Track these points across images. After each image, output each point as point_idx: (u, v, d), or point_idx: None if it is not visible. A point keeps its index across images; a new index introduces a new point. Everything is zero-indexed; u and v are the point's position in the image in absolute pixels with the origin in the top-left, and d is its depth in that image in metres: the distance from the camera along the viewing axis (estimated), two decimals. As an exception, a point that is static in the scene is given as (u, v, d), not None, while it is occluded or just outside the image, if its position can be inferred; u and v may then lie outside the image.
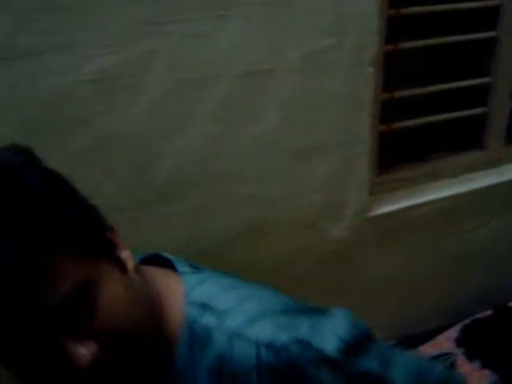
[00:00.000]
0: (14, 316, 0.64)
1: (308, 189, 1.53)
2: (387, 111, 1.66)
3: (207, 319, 0.78)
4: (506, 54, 1.72)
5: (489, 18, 1.69)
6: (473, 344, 1.82)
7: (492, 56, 1.73)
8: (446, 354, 1.81)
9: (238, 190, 1.43)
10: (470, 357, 1.79)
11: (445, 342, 1.85)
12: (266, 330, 0.75)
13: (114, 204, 1.17)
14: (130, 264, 0.77)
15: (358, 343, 0.77)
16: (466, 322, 1.89)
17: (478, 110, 1.80)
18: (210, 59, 1.30)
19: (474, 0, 1.64)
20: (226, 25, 1.29)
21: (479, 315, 1.90)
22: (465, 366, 1.77)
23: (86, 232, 0.71)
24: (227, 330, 0.76)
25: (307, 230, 1.58)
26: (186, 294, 0.81)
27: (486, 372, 1.75)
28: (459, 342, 1.84)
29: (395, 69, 1.62)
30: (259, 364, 0.74)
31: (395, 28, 1.57)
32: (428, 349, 1.80)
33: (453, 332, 1.87)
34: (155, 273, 0.84)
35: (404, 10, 1.56)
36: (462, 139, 1.86)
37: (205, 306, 0.79)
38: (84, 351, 0.65)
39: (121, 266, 0.75)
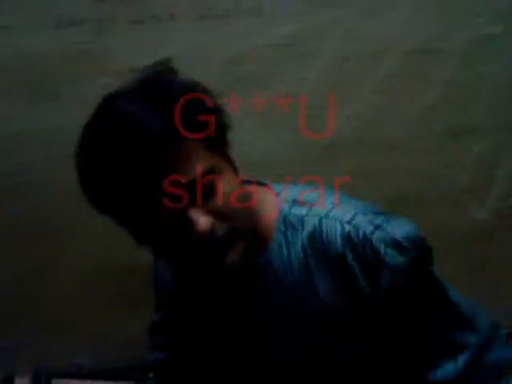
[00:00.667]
0: (154, 188, 0.81)
1: (458, 167, 1.61)
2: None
3: (298, 210, 0.95)
4: None
5: None
6: None
7: None
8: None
9: (390, 160, 1.54)
10: None
11: None
12: (348, 213, 0.92)
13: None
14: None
15: (424, 244, 0.93)
16: None
17: None
18: (381, 35, 1.41)
19: None
20: (398, 4, 1.39)
21: None
22: None
23: (219, 131, 0.87)
24: (316, 214, 0.94)
25: (451, 208, 1.65)
26: (278, 194, 0.98)
27: None
28: None
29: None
30: (342, 235, 0.91)
31: None
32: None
33: None
34: (252, 187, 0.99)
35: None
36: None
37: (295, 201, 0.97)
38: (204, 220, 0.82)
39: (234, 168, 0.92)
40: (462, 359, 0.98)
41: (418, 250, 0.92)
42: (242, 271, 0.93)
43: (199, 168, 0.83)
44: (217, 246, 0.85)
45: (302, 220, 0.96)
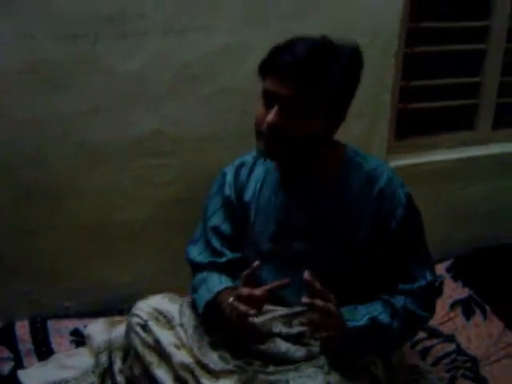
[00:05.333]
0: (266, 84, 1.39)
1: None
2: (405, 95, 2.38)
3: (358, 159, 1.54)
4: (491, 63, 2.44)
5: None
6: (458, 271, 2.50)
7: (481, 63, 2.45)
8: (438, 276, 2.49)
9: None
10: (455, 279, 2.47)
11: (438, 269, 2.53)
12: (387, 170, 1.54)
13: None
14: None
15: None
16: (455, 257, 2.57)
17: (471, 101, 2.50)
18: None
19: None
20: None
21: (463, 253, 2.59)
22: (450, 284, 2.45)
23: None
24: (369, 164, 1.52)
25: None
26: (345, 147, 1.56)
27: (466, 289, 2.42)
28: (448, 269, 2.52)
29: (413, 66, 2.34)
30: (381, 180, 1.50)
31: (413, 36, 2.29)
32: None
33: (444, 263, 2.55)
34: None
35: (422, 24, 2.28)
36: (458, 121, 2.57)
37: (357, 153, 1.56)
38: (272, 118, 1.36)
39: None
40: (417, 285, 1.52)
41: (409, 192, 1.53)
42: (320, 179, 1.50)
43: None
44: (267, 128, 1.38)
45: (360, 164, 1.52)
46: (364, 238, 1.52)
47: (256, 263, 1.42)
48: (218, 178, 1.69)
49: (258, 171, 1.63)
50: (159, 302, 1.65)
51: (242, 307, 1.38)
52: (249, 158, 1.66)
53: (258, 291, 1.42)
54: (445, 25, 2.34)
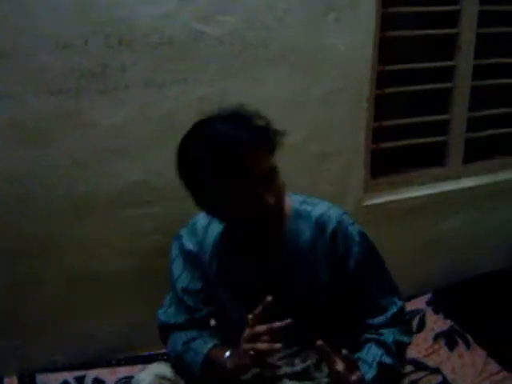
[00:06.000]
0: (241, 177, 1.34)
1: (324, 181, 2.32)
2: (377, 135, 2.46)
3: (305, 207, 1.57)
4: (458, 100, 2.55)
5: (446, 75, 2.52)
6: (439, 303, 2.56)
7: (449, 101, 2.55)
8: (418, 310, 2.55)
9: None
10: (436, 311, 2.53)
11: (418, 303, 2.60)
12: (336, 211, 1.57)
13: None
14: None
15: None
16: (434, 290, 2.63)
17: (440, 138, 2.60)
18: (264, 92, 2.10)
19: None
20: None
21: (442, 286, 2.66)
22: (432, 317, 2.51)
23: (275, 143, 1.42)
24: (317, 210, 1.56)
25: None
26: (291, 197, 1.58)
27: (447, 320, 2.48)
28: (429, 303, 2.58)
29: (383, 107, 2.44)
30: (331, 222, 1.54)
31: (382, 77, 2.39)
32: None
33: (424, 297, 2.62)
34: None
35: (390, 67, 2.38)
36: (429, 158, 2.66)
37: (304, 202, 1.59)
38: (270, 198, 1.38)
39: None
40: (389, 313, 1.57)
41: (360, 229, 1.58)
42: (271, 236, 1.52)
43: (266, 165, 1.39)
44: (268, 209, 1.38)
45: (308, 214, 1.55)
46: (326, 282, 1.56)
47: (268, 298, 1.38)
48: (174, 242, 1.70)
49: (212, 232, 1.63)
50: (158, 367, 1.63)
51: (263, 346, 1.34)
52: (200, 219, 1.67)
53: (277, 323, 1.35)
54: (412, 66, 2.44)
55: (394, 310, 1.60)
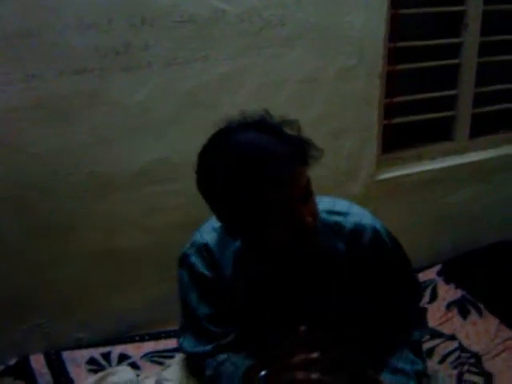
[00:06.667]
0: (280, 196, 1.18)
1: (338, 157, 2.38)
2: (387, 111, 2.52)
3: (335, 218, 1.42)
4: (465, 76, 2.61)
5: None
6: (449, 274, 2.63)
7: (456, 77, 2.61)
8: (430, 280, 2.62)
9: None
10: (447, 281, 2.60)
11: (429, 273, 2.66)
12: (367, 218, 1.45)
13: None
14: None
15: None
16: (444, 261, 2.70)
17: (448, 113, 2.66)
18: (281, 69, 2.15)
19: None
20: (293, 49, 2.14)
21: (452, 257, 2.73)
22: (443, 287, 2.57)
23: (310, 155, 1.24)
24: (350, 222, 1.42)
25: (334, 186, 2.37)
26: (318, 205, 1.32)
27: (458, 290, 2.55)
28: (439, 273, 2.65)
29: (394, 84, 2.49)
30: (366, 232, 1.43)
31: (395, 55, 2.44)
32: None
33: (435, 268, 2.68)
34: None
35: (400, 44, 2.43)
36: (438, 133, 2.72)
37: (331, 212, 1.43)
38: (309, 216, 1.23)
39: None
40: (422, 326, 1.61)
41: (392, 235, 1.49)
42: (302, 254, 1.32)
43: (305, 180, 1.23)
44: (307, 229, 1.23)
45: (340, 225, 1.41)
46: (362, 292, 1.48)
47: (302, 328, 1.27)
48: (182, 264, 1.52)
49: (230, 246, 1.46)
50: (180, 366, 1.60)
51: (315, 375, 1.22)
52: (207, 234, 1.49)
53: (315, 354, 1.25)
54: (421, 43, 2.49)
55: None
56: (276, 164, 1.16)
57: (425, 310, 1.76)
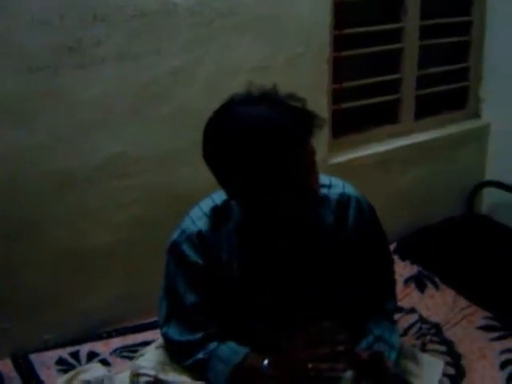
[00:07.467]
0: (289, 165, 1.27)
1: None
2: (338, 96, 2.59)
3: (322, 191, 1.49)
4: (408, 60, 2.71)
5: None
6: (404, 251, 2.72)
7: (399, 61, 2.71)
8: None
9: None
10: (403, 258, 2.69)
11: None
12: (349, 188, 1.59)
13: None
14: None
15: None
16: (399, 239, 2.79)
17: (394, 96, 2.75)
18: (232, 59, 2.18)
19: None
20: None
21: (406, 235, 2.82)
22: (400, 264, 2.65)
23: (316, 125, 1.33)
24: (335, 193, 1.55)
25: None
26: None
27: (414, 266, 2.64)
28: (395, 251, 2.73)
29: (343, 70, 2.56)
30: (351, 201, 1.56)
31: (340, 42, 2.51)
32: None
33: (391, 246, 2.74)
34: None
35: (346, 31, 2.50)
36: (384, 116, 2.81)
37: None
38: (315, 184, 1.35)
39: None
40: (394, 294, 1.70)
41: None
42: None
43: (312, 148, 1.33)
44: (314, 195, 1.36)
45: (327, 197, 1.52)
46: (354, 259, 1.59)
47: (326, 324, 1.39)
48: (170, 252, 1.53)
49: (225, 231, 1.50)
50: (155, 354, 1.61)
51: (340, 366, 1.37)
52: (198, 220, 1.50)
53: (340, 347, 1.38)
54: (365, 29, 2.57)
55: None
56: (288, 133, 1.25)
57: (395, 281, 1.80)
